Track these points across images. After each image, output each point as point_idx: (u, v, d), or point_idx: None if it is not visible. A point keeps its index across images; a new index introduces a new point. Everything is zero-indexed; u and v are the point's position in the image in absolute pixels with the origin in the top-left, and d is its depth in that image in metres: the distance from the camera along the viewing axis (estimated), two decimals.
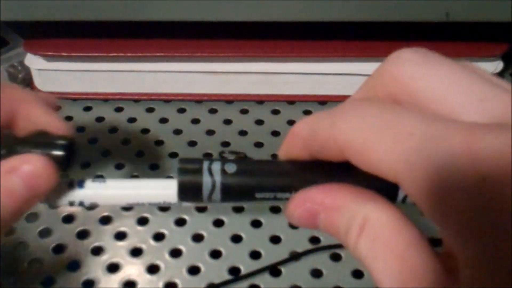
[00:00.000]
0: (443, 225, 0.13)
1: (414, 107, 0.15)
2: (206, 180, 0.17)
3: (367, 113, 0.15)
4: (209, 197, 0.18)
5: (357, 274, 0.28)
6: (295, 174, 0.18)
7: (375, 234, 0.15)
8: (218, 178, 0.18)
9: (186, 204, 0.19)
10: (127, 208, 0.31)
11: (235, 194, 0.18)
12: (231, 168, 0.18)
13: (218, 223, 0.30)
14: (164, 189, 0.19)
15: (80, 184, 0.19)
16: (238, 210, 0.31)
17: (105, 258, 0.29)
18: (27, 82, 0.39)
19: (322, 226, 0.16)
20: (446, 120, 0.14)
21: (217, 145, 0.35)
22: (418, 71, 0.16)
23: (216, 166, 0.18)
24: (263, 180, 0.18)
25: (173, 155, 0.35)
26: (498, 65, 0.37)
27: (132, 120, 0.37)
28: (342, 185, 0.17)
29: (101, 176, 0.32)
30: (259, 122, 0.37)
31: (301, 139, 0.17)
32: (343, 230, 0.16)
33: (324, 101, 0.38)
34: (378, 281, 0.14)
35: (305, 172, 0.18)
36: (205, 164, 0.18)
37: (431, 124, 0.14)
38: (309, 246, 0.29)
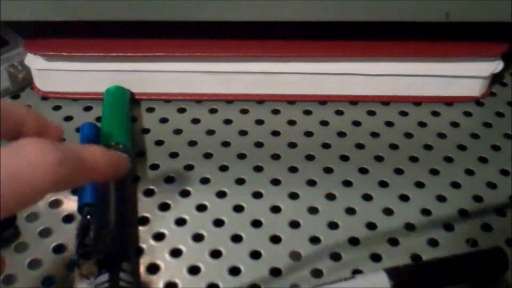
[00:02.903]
0: None
1: None
2: None
3: None
4: None
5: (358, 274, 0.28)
6: None
7: None
8: None
9: None
10: None
11: None
12: None
13: (218, 223, 0.30)
14: None
15: None
16: (238, 209, 0.31)
17: None
18: (27, 82, 0.39)
19: None
20: None
21: (217, 145, 0.35)
22: None
23: None
24: None
25: (173, 155, 0.35)
26: (498, 65, 0.37)
27: (132, 120, 0.37)
28: None
29: None
30: (259, 122, 0.37)
31: None
32: None
33: (324, 101, 0.38)
34: None
35: None
36: None
37: None
38: (309, 246, 0.29)
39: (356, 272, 0.28)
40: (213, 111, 0.38)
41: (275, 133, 0.36)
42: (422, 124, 0.37)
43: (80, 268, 0.26)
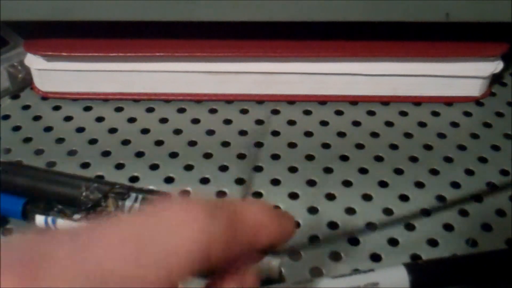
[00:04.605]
0: None
1: None
2: None
3: None
4: None
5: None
6: None
7: None
8: None
9: None
10: None
11: None
12: None
13: None
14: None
15: None
16: None
17: None
18: (27, 82, 0.39)
19: None
20: None
21: (217, 145, 0.35)
22: None
23: None
24: None
25: (173, 155, 0.35)
26: (498, 65, 0.37)
27: (132, 120, 0.37)
28: None
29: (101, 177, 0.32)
30: (259, 122, 0.37)
31: None
32: None
33: (324, 101, 0.38)
34: None
35: None
36: None
37: None
38: (309, 246, 0.29)
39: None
40: (213, 111, 0.38)
41: (275, 133, 0.36)
42: (422, 124, 0.37)
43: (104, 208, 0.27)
